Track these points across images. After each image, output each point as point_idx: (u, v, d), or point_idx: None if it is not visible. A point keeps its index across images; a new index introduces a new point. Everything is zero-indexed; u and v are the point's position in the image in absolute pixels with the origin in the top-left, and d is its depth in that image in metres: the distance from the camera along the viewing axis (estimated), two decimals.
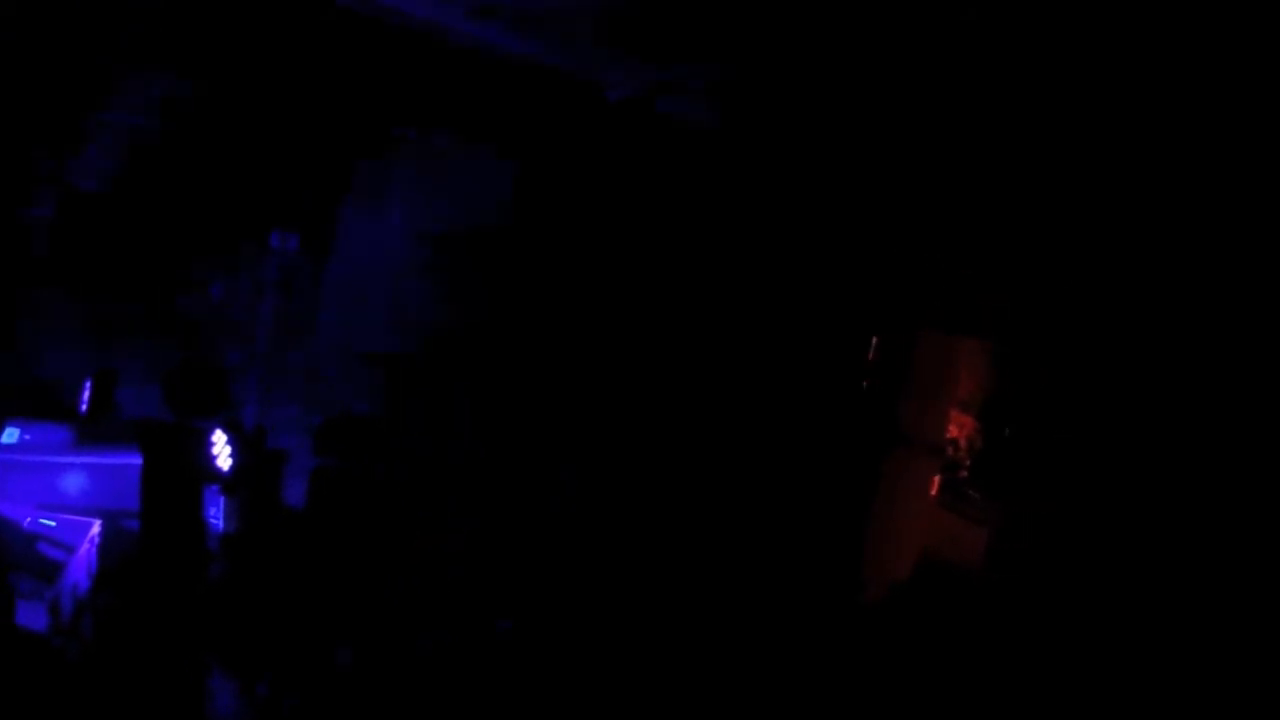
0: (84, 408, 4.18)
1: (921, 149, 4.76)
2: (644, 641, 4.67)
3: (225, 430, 4.29)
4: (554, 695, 4.23)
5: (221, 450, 4.28)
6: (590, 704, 4.25)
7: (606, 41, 4.27)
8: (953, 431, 5.24)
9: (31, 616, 3.40)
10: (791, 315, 5.48)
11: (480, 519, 5.08)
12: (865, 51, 3.98)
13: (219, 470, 4.29)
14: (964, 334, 5.17)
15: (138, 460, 3.96)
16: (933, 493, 5.28)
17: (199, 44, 4.28)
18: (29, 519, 3.54)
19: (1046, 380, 4.79)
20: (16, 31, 3.93)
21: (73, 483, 3.86)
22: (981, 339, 5.11)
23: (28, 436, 3.71)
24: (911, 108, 4.39)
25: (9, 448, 3.68)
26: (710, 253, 5.36)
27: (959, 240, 5.12)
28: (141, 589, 4.07)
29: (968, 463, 5.21)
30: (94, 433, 4.02)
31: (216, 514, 4.35)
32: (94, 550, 3.82)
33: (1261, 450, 3.91)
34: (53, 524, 3.61)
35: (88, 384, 4.23)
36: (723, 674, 4.64)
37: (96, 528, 3.83)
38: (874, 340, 5.48)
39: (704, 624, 4.87)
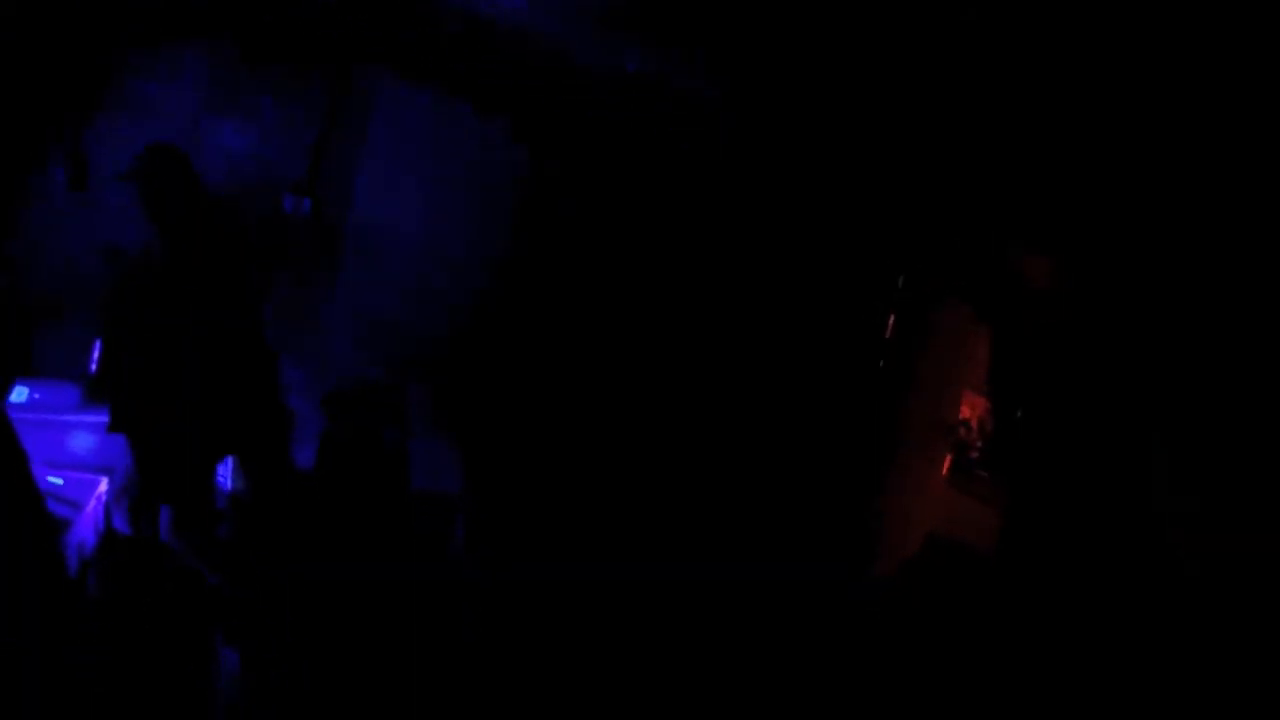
0: (93, 367, 4.19)
1: (944, 109, 4.67)
2: (647, 616, 4.67)
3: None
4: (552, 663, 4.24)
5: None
6: (589, 676, 4.25)
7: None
8: (964, 412, 5.20)
9: None
10: (807, 290, 5.43)
11: (489, 491, 5.08)
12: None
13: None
14: (983, 306, 5.11)
15: None
16: (943, 473, 5.26)
17: None
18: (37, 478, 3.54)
19: (1061, 361, 4.73)
20: None
21: (81, 441, 3.87)
22: (997, 314, 5.04)
23: (37, 395, 3.71)
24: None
25: (18, 406, 3.68)
26: (722, 227, 5.31)
27: (982, 212, 5.03)
28: (149, 549, 4.09)
29: (979, 444, 5.17)
30: (103, 392, 4.03)
31: (224, 474, 4.36)
32: (101, 508, 3.84)
33: None
34: (60, 482, 3.62)
35: (97, 344, 4.24)
36: (727, 651, 4.63)
37: (104, 485, 3.84)
38: (890, 317, 5.42)
39: (707, 599, 4.85)
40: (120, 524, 3.94)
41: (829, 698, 4.58)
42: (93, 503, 3.71)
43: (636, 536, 5.05)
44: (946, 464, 5.24)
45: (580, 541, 4.97)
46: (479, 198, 4.98)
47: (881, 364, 5.42)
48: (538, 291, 5.14)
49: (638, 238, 5.22)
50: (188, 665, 3.87)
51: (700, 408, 5.33)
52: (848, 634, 4.90)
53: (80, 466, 3.78)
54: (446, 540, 4.84)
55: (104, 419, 4.01)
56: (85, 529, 3.67)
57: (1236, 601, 3.85)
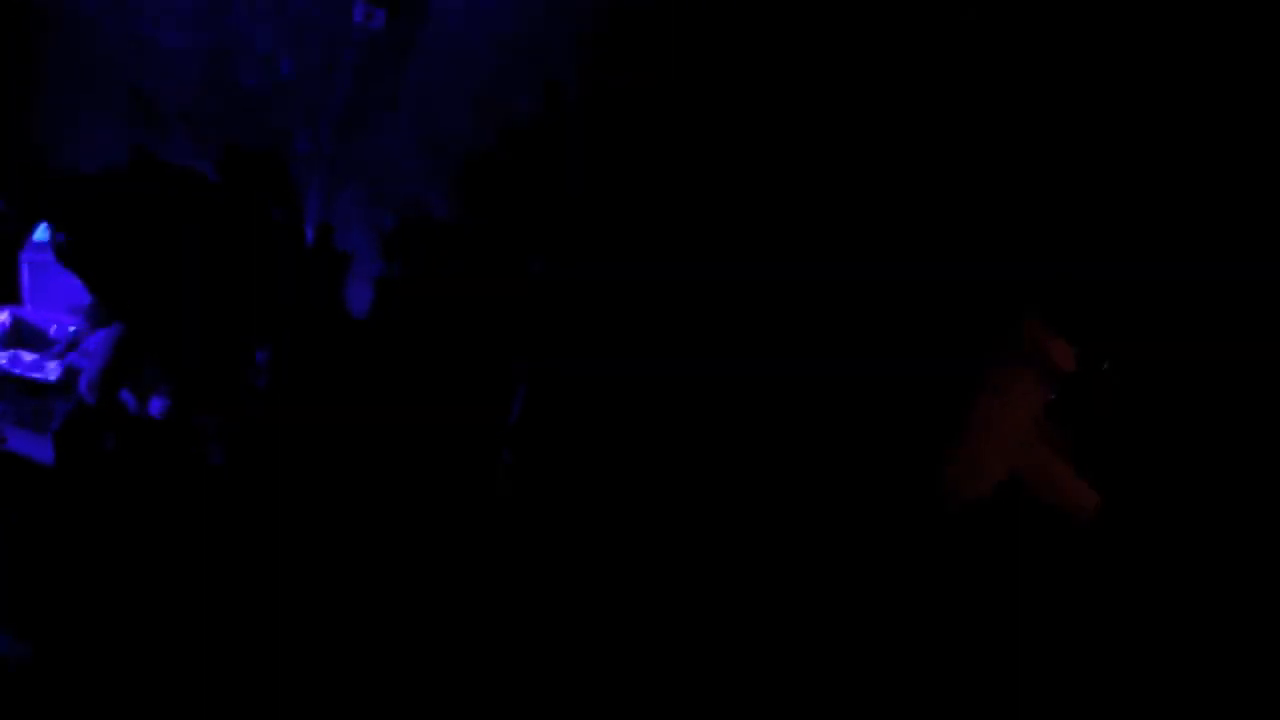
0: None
1: None
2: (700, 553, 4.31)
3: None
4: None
5: None
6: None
7: None
8: (1060, 355, 4.57)
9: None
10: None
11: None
12: None
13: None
14: None
15: None
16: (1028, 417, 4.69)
17: None
18: (55, 325, 3.16)
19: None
20: None
21: None
22: None
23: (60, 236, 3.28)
24: None
25: (41, 246, 3.25)
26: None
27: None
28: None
29: (1073, 391, 4.58)
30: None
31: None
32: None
33: None
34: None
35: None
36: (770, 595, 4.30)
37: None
38: None
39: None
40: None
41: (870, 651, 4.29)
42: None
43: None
44: (1034, 408, 4.68)
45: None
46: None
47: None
48: (661, 128, 4.40)
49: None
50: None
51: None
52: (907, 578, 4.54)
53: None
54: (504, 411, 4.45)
55: None
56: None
57: None
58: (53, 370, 3.11)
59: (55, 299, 3.24)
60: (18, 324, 3.19)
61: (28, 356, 3.08)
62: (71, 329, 3.18)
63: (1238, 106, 3.65)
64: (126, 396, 3.45)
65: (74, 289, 3.29)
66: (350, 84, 4.16)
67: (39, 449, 2.91)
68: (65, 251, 3.34)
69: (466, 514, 4.05)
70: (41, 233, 3.28)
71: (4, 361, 3.02)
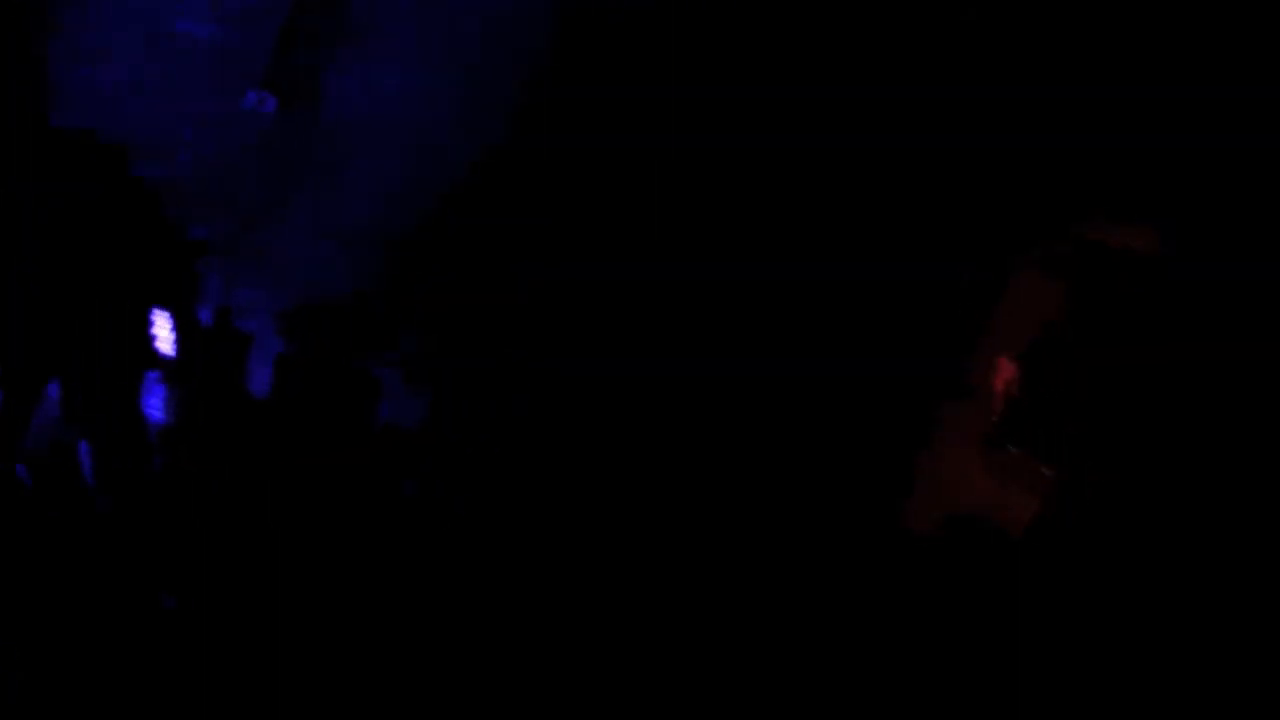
0: None
1: None
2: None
3: (167, 310, 3.85)
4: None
5: (162, 333, 3.85)
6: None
7: None
8: (1001, 379, 4.47)
9: None
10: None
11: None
12: None
13: (160, 355, 3.87)
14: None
15: None
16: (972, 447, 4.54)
17: None
18: None
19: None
20: None
21: None
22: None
23: None
24: None
25: None
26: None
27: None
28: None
29: (1003, 413, 4.45)
30: None
31: (155, 404, 3.96)
32: None
33: None
34: None
35: None
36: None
37: None
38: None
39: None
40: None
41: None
42: None
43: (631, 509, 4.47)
44: (977, 436, 4.54)
45: (573, 493, 4.43)
46: (476, 86, 4.34)
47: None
48: (540, 195, 4.47)
49: (667, 136, 4.46)
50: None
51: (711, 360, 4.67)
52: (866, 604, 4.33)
53: None
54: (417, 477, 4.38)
55: None
56: None
57: None
58: None
59: None
60: None
61: None
62: None
63: None
64: None
65: None
66: (246, 174, 4.29)
67: None
68: None
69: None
70: None
71: None
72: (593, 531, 4.24)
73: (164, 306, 3.82)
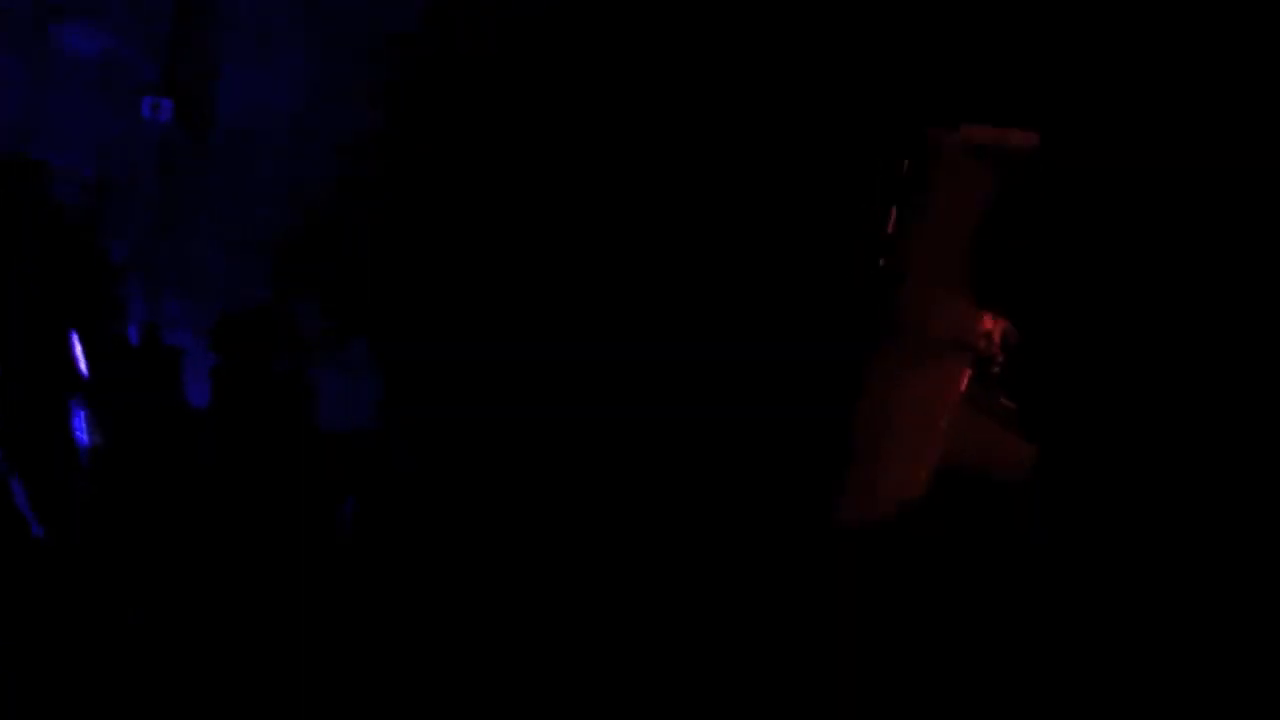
0: None
1: None
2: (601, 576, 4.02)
3: (79, 331, 3.79)
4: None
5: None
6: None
7: None
8: (986, 323, 4.16)
9: None
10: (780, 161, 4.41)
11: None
12: None
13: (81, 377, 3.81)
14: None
15: None
16: (957, 393, 4.25)
17: None
18: None
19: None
20: None
21: None
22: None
23: None
24: None
25: None
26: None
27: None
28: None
29: (1000, 359, 4.14)
30: None
31: (79, 426, 3.89)
32: None
33: None
34: None
35: None
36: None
37: None
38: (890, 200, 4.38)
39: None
40: None
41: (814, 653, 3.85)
42: None
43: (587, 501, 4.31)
44: (963, 382, 4.24)
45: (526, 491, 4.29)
46: (372, 69, 4.19)
47: (879, 260, 4.40)
48: (453, 179, 4.32)
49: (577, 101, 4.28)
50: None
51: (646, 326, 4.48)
52: (845, 582, 4.09)
53: None
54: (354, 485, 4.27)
55: None
56: None
57: None
58: None
59: None
60: None
61: None
62: None
63: None
64: None
65: None
66: (153, 187, 4.19)
67: None
68: None
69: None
70: None
71: None
72: (542, 539, 4.13)
73: (78, 327, 3.76)
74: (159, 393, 4.22)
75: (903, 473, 4.24)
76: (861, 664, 3.80)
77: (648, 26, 4.09)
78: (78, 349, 3.79)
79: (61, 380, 3.81)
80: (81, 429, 3.88)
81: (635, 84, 4.16)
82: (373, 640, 3.68)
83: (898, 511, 4.19)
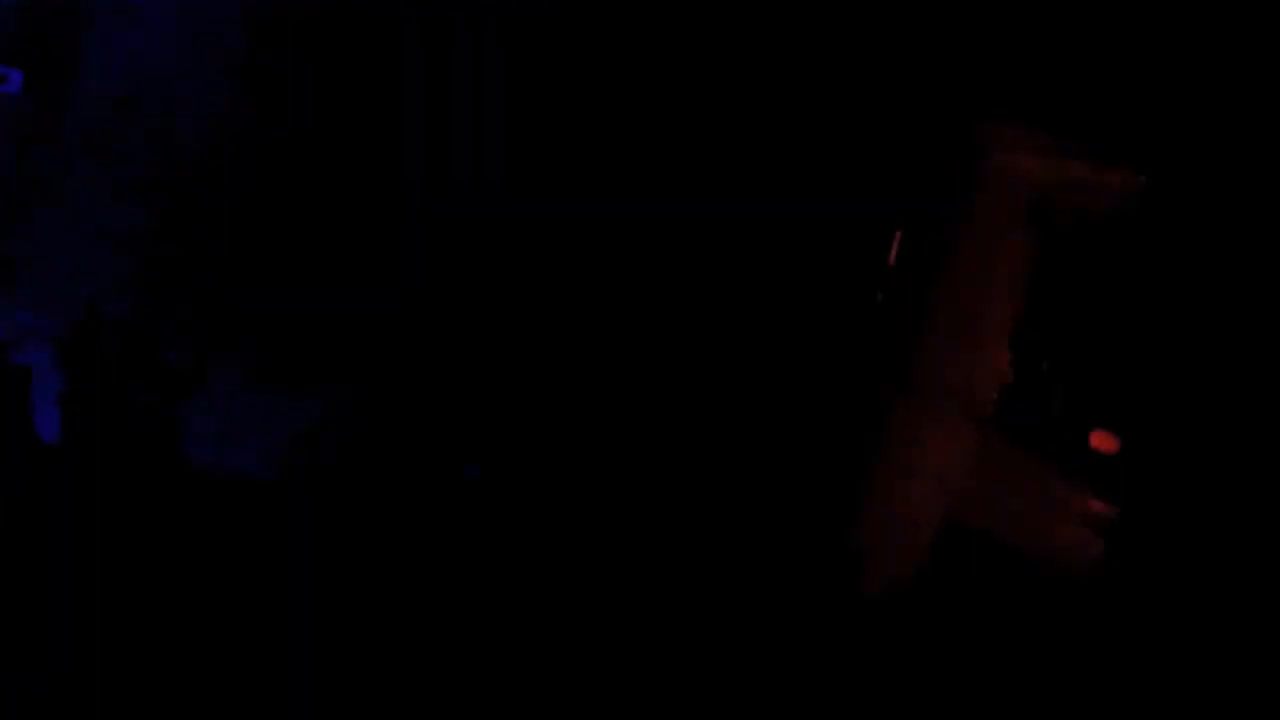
0: None
1: None
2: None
3: None
4: None
5: None
6: None
7: None
8: (996, 366, 3.41)
9: None
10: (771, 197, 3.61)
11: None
12: None
13: None
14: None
15: None
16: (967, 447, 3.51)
17: None
18: None
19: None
20: None
21: None
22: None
23: None
24: None
25: None
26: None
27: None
28: None
29: (1018, 409, 3.44)
30: None
31: None
32: None
33: None
34: None
35: None
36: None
37: None
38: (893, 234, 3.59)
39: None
40: None
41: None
42: None
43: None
44: (972, 435, 3.47)
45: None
46: (260, 39, 3.43)
47: (880, 300, 3.59)
48: (350, 165, 3.53)
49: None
50: None
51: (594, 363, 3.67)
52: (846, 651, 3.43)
53: None
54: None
55: None
56: None
57: None
58: None
59: None
60: None
61: None
62: None
63: None
64: None
65: None
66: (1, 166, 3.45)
67: None
68: None
69: None
70: None
71: None
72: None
73: None
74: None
75: (914, 539, 3.57)
76: None
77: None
78: None
79: None
80: None
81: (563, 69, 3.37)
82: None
83: (909, 577, 3.52)
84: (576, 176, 3.42)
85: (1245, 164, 2.70)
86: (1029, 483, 3.18)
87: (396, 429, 3.42)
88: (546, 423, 3.50)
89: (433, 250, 3.42)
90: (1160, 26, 2.84)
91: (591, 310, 3.47)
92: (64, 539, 3.48)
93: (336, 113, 3.43)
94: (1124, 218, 3.07)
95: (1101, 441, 3.21)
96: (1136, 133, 3.01)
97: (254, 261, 3.46)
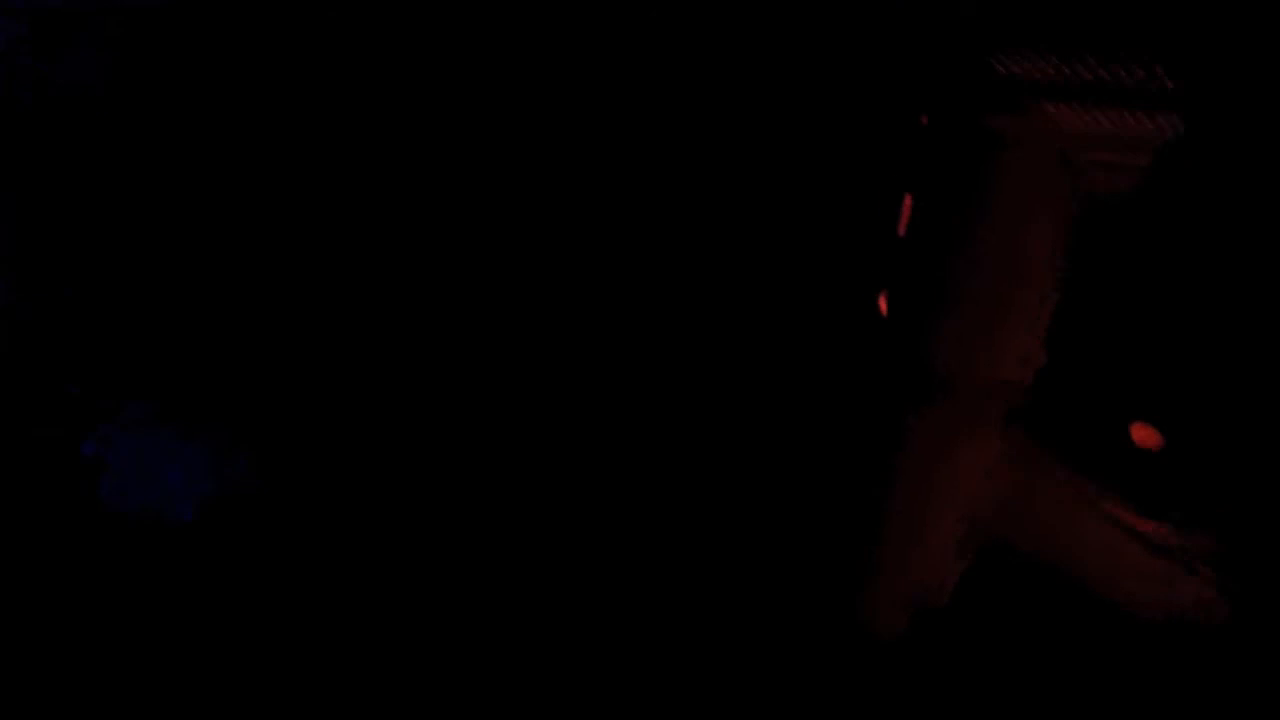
0: None
1: None
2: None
3: None
4: None
5: None
6: None
7: None
8: (1026, 357, 2.92)
9: None
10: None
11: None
12: None
13: None
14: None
15: None
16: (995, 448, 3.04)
17: None
18: None
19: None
20: None
21: None
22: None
23: None
24: None
25: None
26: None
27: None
28: None
29: (1050, 405, 2.99)
30: None
31: None
32: None
33: None
34: None
35: None
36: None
37: None
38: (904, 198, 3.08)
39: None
40: None
41: None
42: None
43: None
44: (998, 436, 2.98)
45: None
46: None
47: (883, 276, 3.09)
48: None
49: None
50: None
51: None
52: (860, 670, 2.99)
53: None
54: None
55: None
56: None
57: None
58: None
59: None
60: None
61: None
62: None
63: None
64: None
65: None
66: None
67: None
68: None
69: None
70: None
71: None
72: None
73: None
74: None
75: (943, 558, 3.12)
76: None
77: None
78: None
79: None
80: None
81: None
82: None
83: (937, 603, 3.07)
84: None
85: None
86: (1080, 503, 2.70)
87: (320, 455, 2.96)
88: (547, 425, 3.06)
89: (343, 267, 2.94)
90: None
91: (588, 307, 3.01)
92: None
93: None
94: (1160, 174, 2.56)
95: (1144, 436, 2.74)
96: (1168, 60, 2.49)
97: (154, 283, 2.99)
